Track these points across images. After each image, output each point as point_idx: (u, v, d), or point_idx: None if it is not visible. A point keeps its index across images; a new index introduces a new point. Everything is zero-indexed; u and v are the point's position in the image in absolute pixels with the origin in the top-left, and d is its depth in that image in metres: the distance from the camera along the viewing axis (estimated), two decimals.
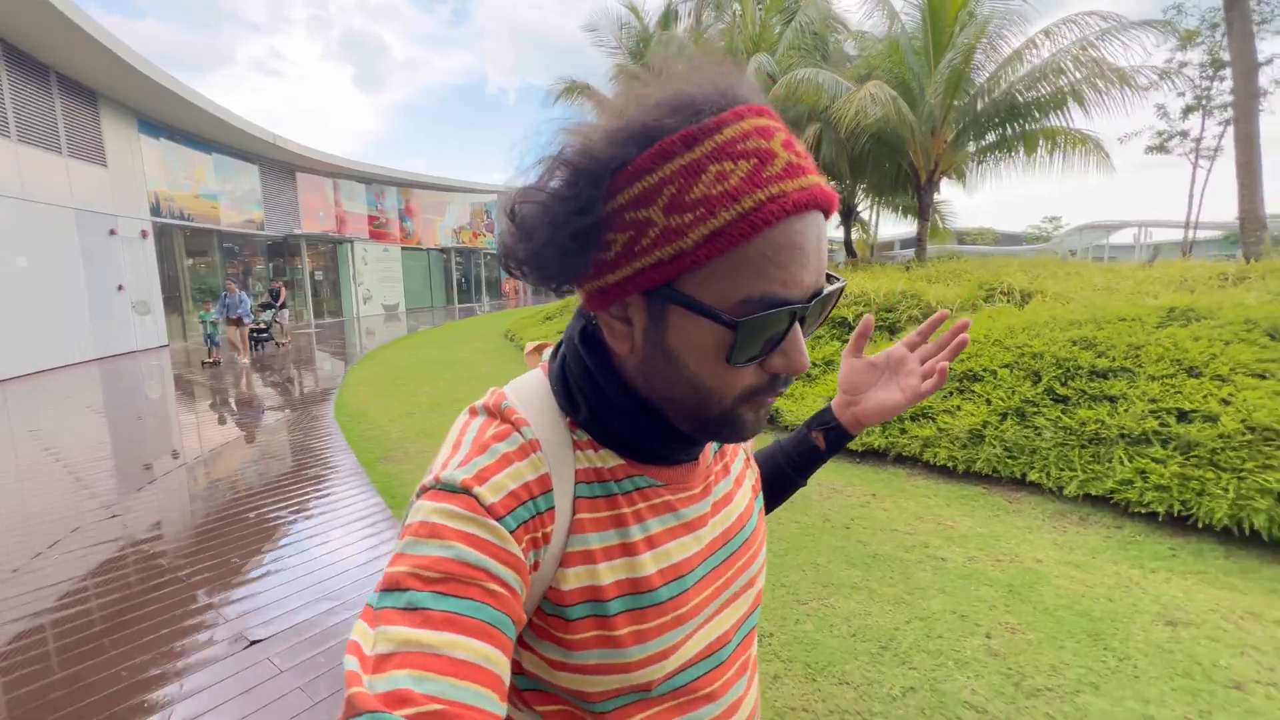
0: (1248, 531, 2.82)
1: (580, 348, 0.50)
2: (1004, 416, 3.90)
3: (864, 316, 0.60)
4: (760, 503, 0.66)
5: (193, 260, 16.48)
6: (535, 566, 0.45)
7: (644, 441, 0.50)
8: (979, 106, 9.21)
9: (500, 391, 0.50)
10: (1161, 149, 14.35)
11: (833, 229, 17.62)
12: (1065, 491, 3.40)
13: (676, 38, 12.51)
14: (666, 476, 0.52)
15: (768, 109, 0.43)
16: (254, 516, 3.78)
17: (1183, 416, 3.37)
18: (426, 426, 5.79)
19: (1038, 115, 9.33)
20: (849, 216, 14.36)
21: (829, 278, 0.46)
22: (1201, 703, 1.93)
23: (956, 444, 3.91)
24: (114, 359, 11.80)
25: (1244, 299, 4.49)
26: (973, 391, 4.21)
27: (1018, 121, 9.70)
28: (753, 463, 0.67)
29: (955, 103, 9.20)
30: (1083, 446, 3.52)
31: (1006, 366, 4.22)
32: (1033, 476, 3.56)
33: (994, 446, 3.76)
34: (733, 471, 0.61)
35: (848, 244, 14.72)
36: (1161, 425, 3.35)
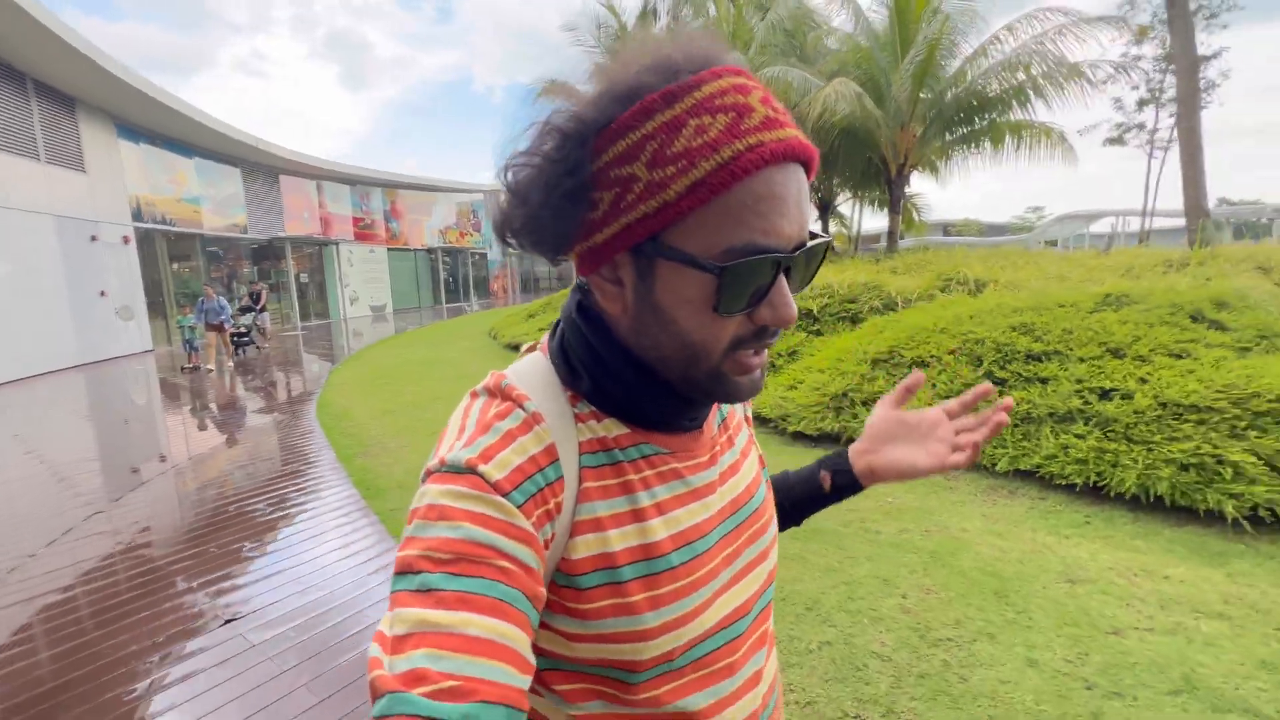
0: (1153, 498, 3.06)
1: (577, 319, 0.51)
2: (946, 399, 4.12)
3: (915, 372, 0.61)
4: (768, 474, 0.66)
5: (176, 265, 16.49)
6: (551, 539, 0.45)
7: (644, 406, 0.50)
8: (945, 101, 9.45)
9: (500, 373, 0.51)
10: (1119, 141, 14.77)
11: (811, 223, 17.82)
12: (997, 468, 3.64)
13: (653, 34, 12.65)
14: (672, 444, 0.53)
15: (746, 70, 0.45)
16: (234, 510, 3.95)
17: (1104, 395, 3.61)
18: (408, 424, 5.96)
19: (1001, 109, 9.58)
20: (826, 211, 14.59)
21: (814, 235, 0.46)
22: (1082, 647, 2.16)
23: None
24: (98, 365, 11.86)
25: (1175, 284, 4.74)
26: None
27: (983, 115, 9.95)
28: (756, 443, 0.67)
29: (922, 95, 9.42)
30: (1015, 425, 3.76)
31: (951, 352, 4.45)
32: None
33: None
34: (737, 443, 0.61)
35: None
36: (1085, 404, 3.59)
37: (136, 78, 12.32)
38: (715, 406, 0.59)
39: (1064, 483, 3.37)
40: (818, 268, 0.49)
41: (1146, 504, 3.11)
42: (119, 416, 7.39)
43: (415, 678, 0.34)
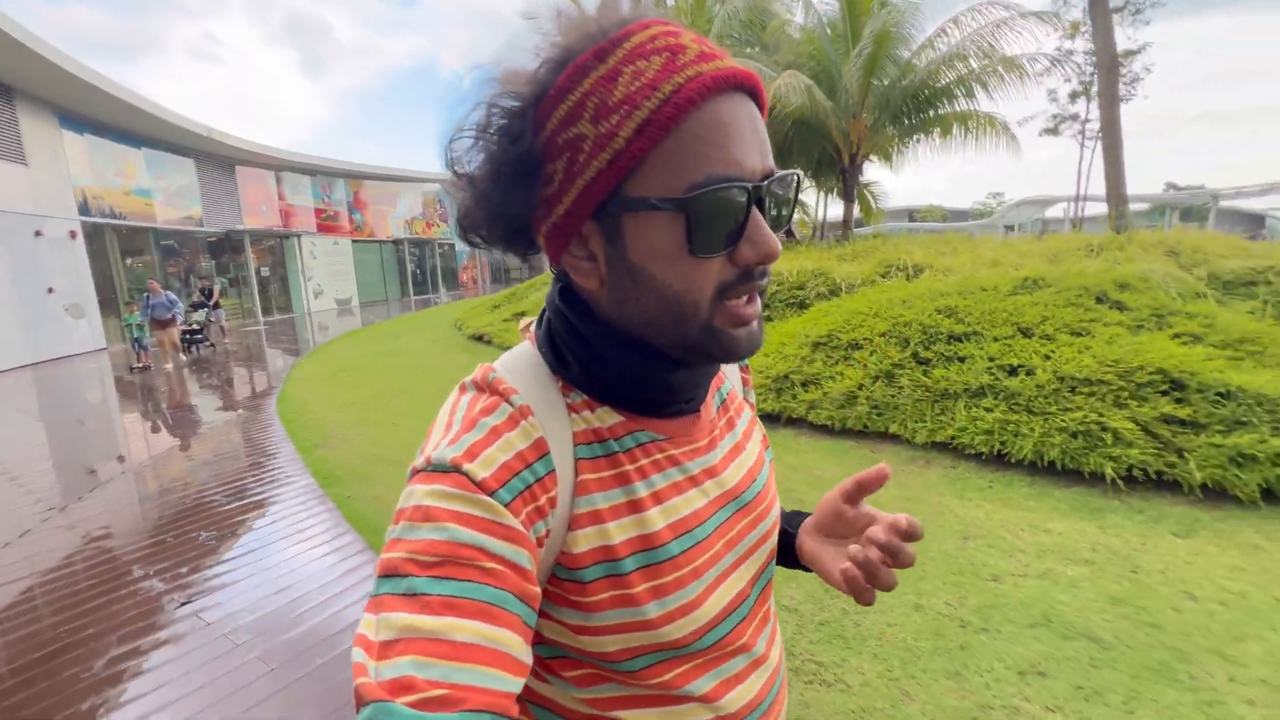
0: (1047, 463, 3.38)
1: (561, 305, 0.50)
2: (876, 379, 4.42)
3: (880, 467, 0.53)
4: (770, 455, 0.65)
5: (129, 260, 16.01)
6: (546, 535, 0.44)
7: (637, 389, 0.49)
8: (894, 92, 9.76)
9: (488, 366, 0.50)
10: (1054, 131, 15.46)
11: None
12: (916, 440, 3.93)
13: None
14: (669, 430, 0.52)
15: (674, 22, 0.45)
16: (192, 502, 4.03)
17: (1012, 372, 3.93)
18: (367, 415, 6.04)
19: (946, 101, 9.94)
20: None
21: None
22: (963, 592, 2.44)
23: (835, 405, 4.41)
24: (49, 364, 11.54)
25: (1086, 269, 5.11)
26: (855, 359, 4.72)
27: (931, 106, 10.30)
28: (760, 424, 0.65)
29: (874, 82, 9.69)
30: (935, 401, 4.06)
31: (883, 335, 4.74)
32: (893, 429, 4.08)
33: (864, 405, 4.28)
34: (738, 425, 0.60)
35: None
36: (994, 380, 3.90)
37: (78, 65, 11.90)
38: (713, 389, 0.58)
39: (973, 452, 3.68)
40: (794, 203, 0.48)
41: (1042, 468, 3.43)
42: (71, 416, 7.28)
43: (401, 686, 0.33)
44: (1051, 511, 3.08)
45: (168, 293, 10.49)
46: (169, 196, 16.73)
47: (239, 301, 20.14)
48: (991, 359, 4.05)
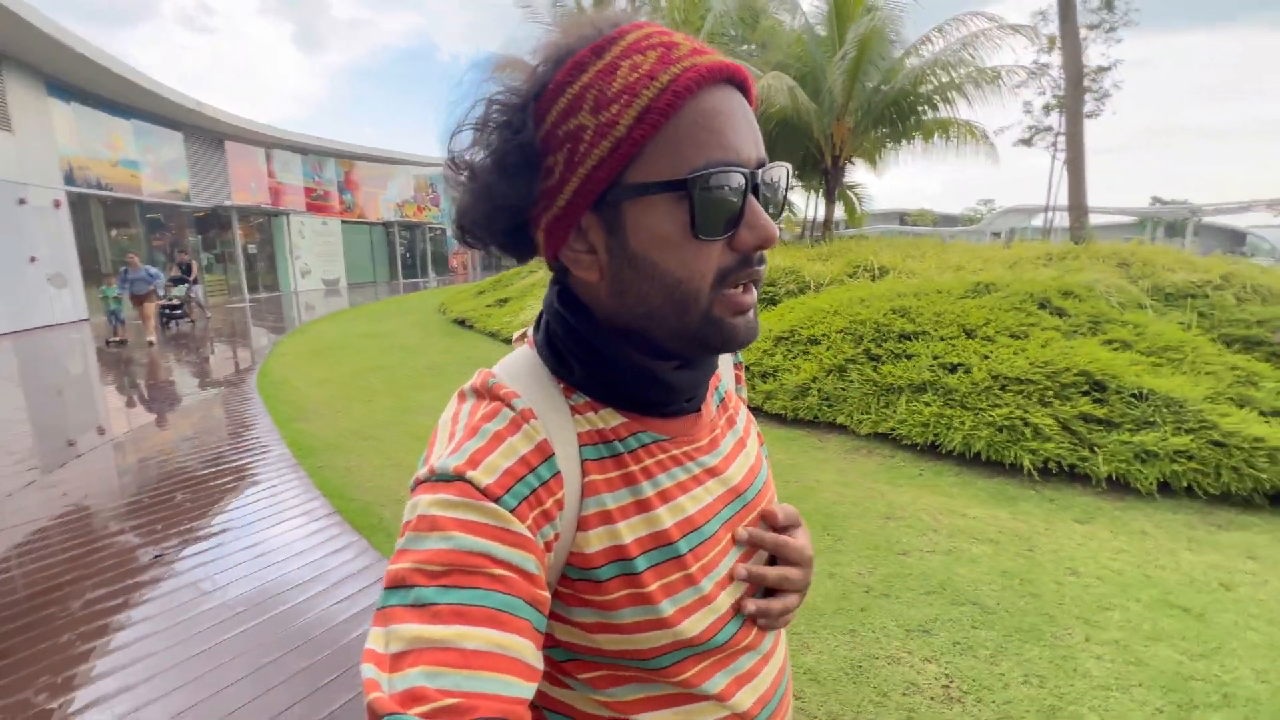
0: (973, 455, 3.64)
1: (559, 307, 0.51)
2: (829, 372, 4.66)
3: (771, 510, 0.57)
4: (767, 452, 0.66)
5: (114, 231, 15.93)
6: (555, 539, 0.44)
7: (639, 387, 0.50)
8: (876, 97, 9.99)
9: (487, 371, 0.50)
10: (1028, 143, 15.85)
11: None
12: (861, 431, 4.18)
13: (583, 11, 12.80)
14: (671, 430, 0.52)
15: (665, 27, 0.47)
16: (171, 469, 4.20)
17: (952, 370, 4.18)
18: (343, 391, 6.21)
19: (928, 108, 10.19)
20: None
21: None
22: (874, 564, 2.69)
23: (789, 396, 4.65)
24: (29, 333, 11.54)
25: (1036, 276, 5.38)
26: (812, 353, 4.96)
27: (913, 112, 10.55)
28: (754, 421, 0.66)
29: (857, 86, 9.90)
30: (880, 395, 4.31)
31: (840, 331, 4.98)
32: (840, 420, 4.33)
33: (815, 397, 4.52)
34: (738, 423, 0.60)
35: None
36: (935, 377, 4.15)
37: (66, 33, 11.82)
38: (712, 387, 0.59)
39: (910, 443, 3.93)
40: (786, 194, 0.50)
41: (969, 459, 3.69)
42: (51, 385, 7.38)
43: (413, 697, 0.33)
44: (971, 498, 3.34)
45: (148, 267, 10.39)
46: (156, 169, 16.64)
47: (225, 278, 20.07)
48: (935, 357, 4.30)
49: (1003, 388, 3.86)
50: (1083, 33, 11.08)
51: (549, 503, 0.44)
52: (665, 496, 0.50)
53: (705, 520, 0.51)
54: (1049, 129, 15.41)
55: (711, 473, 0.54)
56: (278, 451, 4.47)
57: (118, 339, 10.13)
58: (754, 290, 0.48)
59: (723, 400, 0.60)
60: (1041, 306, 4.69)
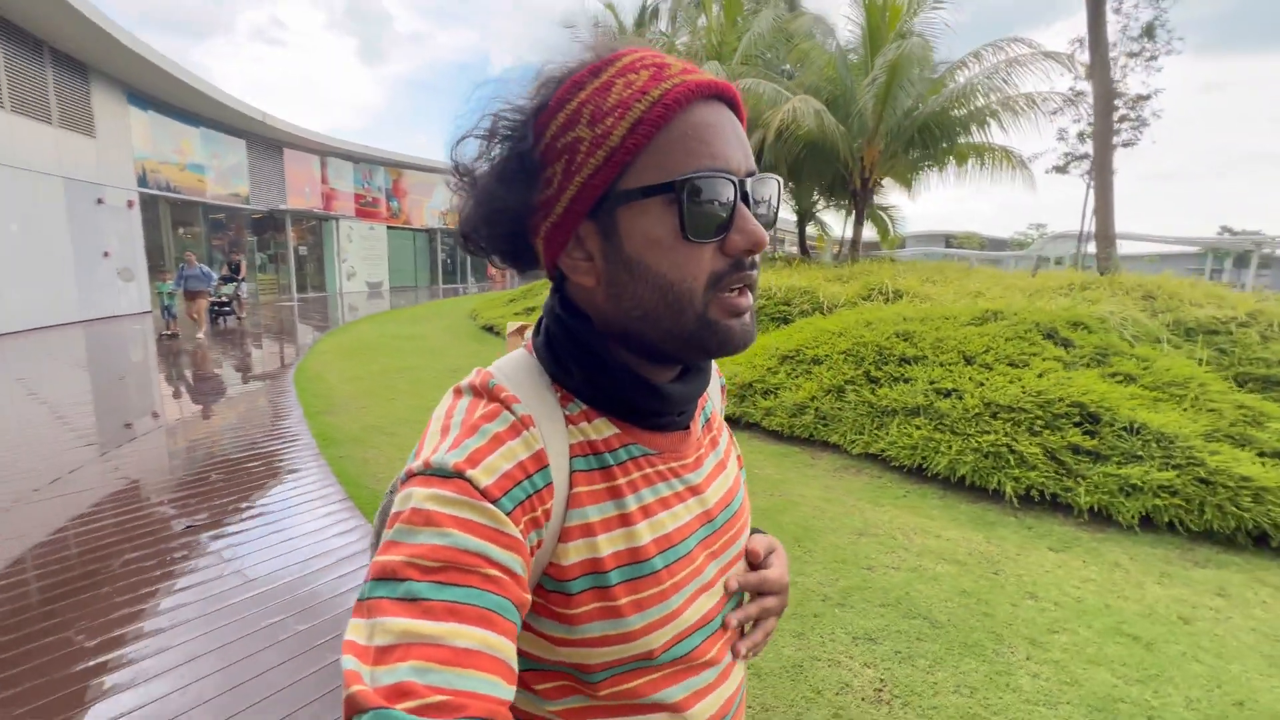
0: (958, 479, 3.70)
1: (560, 312, 0.52)
2: (827, 392, 4.76)
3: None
4: (745, 474, 0.69)
5: (180, 230, 17.10)
6: (538, 546, 0.45)
7: (634, 394, 0.51)
8: (906, 121, 10.01)
9: (486, 371, 0.50)
10: (1063, 170, 15.44)
11: (789, 227, 18.36)
12: (853, 450, 4.27)
13: (646, 38, 13.19)
14: (660, 444, 0.53)
15: (659, 51, 0.49)
16: (206, 451, 4.60)
17: (946, 395, 4.24)
18: (370, 388, 6.60)
19: (961, 132, 10.15)
20: (804, 220, 15.17)
21: None
22: (838, 575, 2.80)
23: (787, 413, 4.77)
24: (98, 322, 12.51)
25: (1047, 306, 5.36)
26: (814, 373, 5.07)
27: (947, 137, 10.52)
28: (735, 442, 0.68)
29: (887, 110, 9.95)
30: (875, 417, 4.39)
31: (842, 353, 5.07)
32: (834, 439, 4.43)
33: (812, 415, 4.63)
34: (721, 444, 0.62)
35: (802, 244, 15.54)
36: (928, 401, 4.22)
37: (147, 49, 12.88)
38: (700, 406, 0.61)
39: (898, 464, 4.01)
40: (777, 206, 0.52)
41: (954, 483, 3.75)
42: (114, 371, 8.03)
43: (400, 692, 0.33)
44: (950, 521, 3.40)
45: (202, 265, 10.99)
46: (219, 174, 17.80)
47: (276, 278, 21.19)
48: (931, 382, 4.37)
49: (993, 415, 3.90)
50: (1122, 60, 10.88)
51: (539, 511, 0.45)
52: (647, 511, 0.51)
53: (682, 538, 0.52)
54: (1085, 156, 15.05)
55: (693, 491, 0.55)
56: (305, 440, 4.83)
57: (170, 332, 10.78)
58: (749, 294, 0.50)
59: (708, 420, 0.62)
60: (1048, 337, 4.69)
